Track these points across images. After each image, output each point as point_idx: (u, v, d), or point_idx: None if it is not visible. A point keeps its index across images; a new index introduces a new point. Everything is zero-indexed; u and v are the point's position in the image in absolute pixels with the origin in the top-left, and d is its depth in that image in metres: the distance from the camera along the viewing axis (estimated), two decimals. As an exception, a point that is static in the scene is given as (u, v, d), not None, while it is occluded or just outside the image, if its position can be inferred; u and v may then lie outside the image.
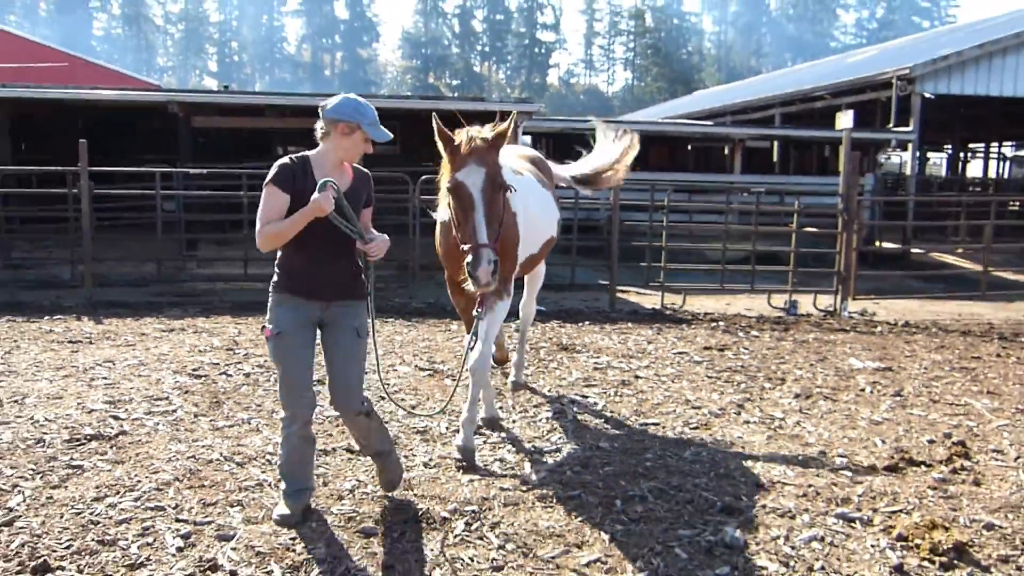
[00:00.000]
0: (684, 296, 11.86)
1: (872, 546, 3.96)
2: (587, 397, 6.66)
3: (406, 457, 5.03)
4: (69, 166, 11.72)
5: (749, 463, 5.13)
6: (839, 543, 4.00)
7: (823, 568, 3.74)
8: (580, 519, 4.19)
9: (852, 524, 4.21)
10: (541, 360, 7.95)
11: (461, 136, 4.51)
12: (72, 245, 12.49)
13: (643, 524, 4.15)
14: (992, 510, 4.44)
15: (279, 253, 4.06)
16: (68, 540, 3.79)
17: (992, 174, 33.15)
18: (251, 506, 4.26)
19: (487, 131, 4.53)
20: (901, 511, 4.39)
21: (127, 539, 3.83)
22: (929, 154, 35.52)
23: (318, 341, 4.15)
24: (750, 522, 4.21)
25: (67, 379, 6.74)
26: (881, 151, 20.38)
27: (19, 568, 3.54)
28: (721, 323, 10.42)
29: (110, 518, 4.05)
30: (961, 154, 34.73)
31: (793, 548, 3.93)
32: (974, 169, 36.19)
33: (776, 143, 24.64)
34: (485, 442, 5.41)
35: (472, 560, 3.73)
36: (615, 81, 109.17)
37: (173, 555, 3.70)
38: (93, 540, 3.80)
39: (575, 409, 6.28)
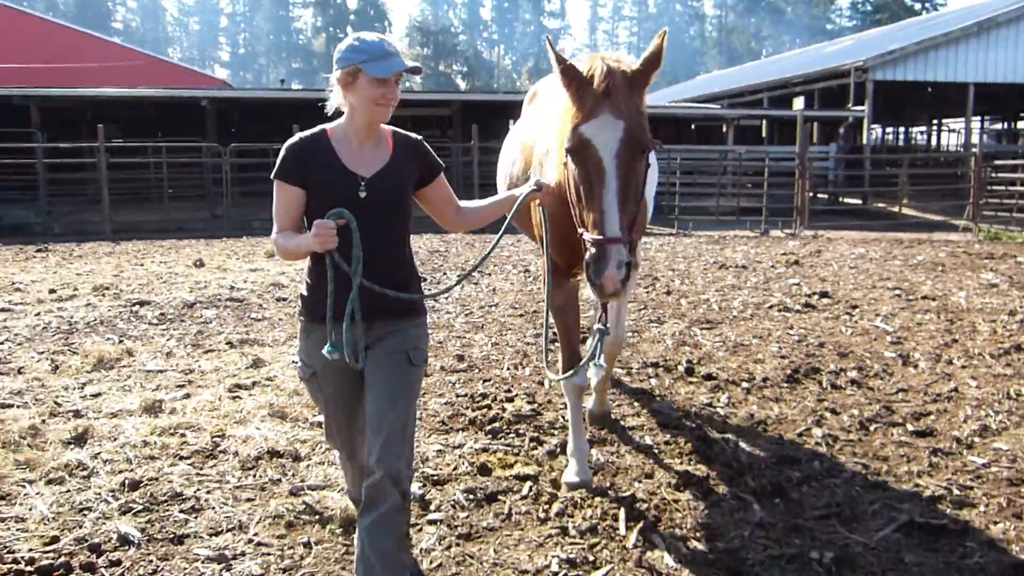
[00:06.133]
0: (690, 226, 17.67)
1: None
2: (647, 246, 12.79)
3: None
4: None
5: (713, 255, 11.06)
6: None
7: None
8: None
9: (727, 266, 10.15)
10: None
11: (593, 65, 3.10)
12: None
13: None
14: (793, 249, 10.41)
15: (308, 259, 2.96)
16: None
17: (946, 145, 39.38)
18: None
19: (630, 61, 3.17)
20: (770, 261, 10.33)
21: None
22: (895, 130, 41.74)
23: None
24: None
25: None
26: (841, 125, 25.98)
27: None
28: (715, 236, 16.29)
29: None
30: (913, 129, 41.28)
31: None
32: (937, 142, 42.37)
33: (764, 121, 30.40)
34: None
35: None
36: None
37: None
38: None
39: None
